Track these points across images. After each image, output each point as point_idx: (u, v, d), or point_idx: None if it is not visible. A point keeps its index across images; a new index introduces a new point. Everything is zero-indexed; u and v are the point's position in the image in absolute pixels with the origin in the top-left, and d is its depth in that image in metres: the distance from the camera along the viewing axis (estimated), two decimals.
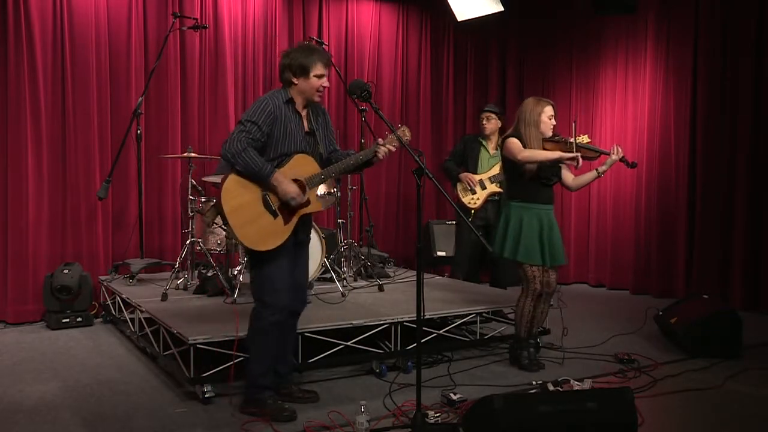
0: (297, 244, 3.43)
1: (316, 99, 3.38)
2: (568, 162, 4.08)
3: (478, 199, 5.52)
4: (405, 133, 3.47)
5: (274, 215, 3.28)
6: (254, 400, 3.39)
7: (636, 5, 6.75)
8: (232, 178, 3.23)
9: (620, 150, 4.08)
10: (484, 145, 5.67)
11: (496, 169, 5.53)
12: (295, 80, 3.31)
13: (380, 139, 3.40)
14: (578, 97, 7.85)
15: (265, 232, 3.25)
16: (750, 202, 6.18)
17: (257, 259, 3.32)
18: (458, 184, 5.60)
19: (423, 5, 7.66)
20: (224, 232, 5.16)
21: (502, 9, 6.89)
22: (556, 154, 4.03)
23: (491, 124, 5.64)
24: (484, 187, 5.55)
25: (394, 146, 3.40)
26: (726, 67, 6.41)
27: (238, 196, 3.22)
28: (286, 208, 3.30)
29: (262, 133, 3.22)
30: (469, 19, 7.12)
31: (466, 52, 7.98)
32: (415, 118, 7.67)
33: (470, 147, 5.71)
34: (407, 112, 7.65)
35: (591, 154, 4.18)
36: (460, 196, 5.57)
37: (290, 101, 3.33)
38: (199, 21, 6.08)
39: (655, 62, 7.03)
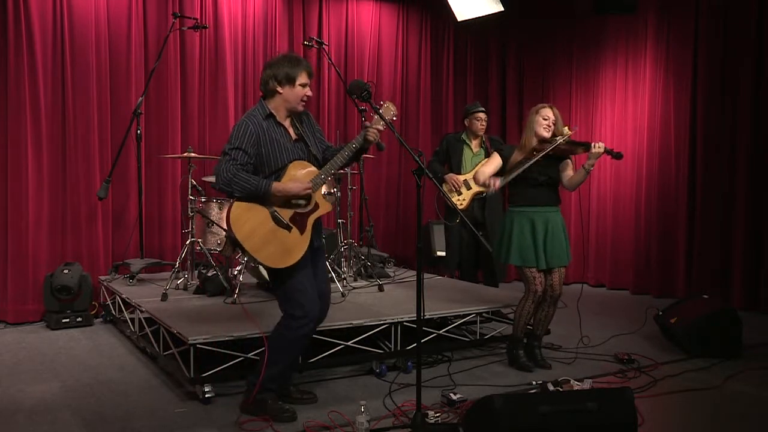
0: (313, 250, 3.40)
1: (300, 108, 3.33)
2: (480, 188, 4.11)
3: (464, 199, 5.58)
4: (390, 108, 3.35)
5: (288, 229, 3.25)
6: (255, 400, 3.39)
7: (636, 5, 6.76)
8: (237, 206, 3.20)
9: (600, 144, 4.01)
10: (467, 144, 5.75)
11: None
12: (280, 89, 3.28)
13: (367, 122, 3.35)
14: (578, 97, 7.85)
15: (285, 248, 3.22)
16: (750, 202, 6.17)
17: (281, 275, 3.28)
18: (443, 185, 5.63)
19: (423, 5, 7.66)
20: (224, 232, 5.15)
21: (502, 9, 6.90)
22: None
23: (485, 123, 5.74)
24: (469, 188, 5.60)
25: (381, 126, 3.31)
26: (726, 67, 6.41)
27: (248, 220, 3.19)
28: (299, 218, 3.28)
29: (249, 156, 3.20)
30: (469, 19, 7.13)
31: (466, 52, 7.98)
32: (415, 118, 7.67)
33: (453, 147, 5.77)
34: (407, 112, 7.65)
35: (573, 148, 4.12)
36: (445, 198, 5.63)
37: (270, 115, 3.29)
38: (199, 21, 6.08)
39: (655, 62, 7.04)
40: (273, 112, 3.30)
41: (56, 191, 5.71)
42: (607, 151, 4.03)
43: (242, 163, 3.18)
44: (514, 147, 4.23)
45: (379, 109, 3.30)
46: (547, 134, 4.12)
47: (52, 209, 5.67)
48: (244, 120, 3.26)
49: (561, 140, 4.05)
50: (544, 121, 4.12)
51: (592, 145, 4.02)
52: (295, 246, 3.25)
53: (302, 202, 3.30)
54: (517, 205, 4.16)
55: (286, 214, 3.25)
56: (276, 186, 3.19)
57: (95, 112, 5.85)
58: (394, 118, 3.35)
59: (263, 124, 3.25)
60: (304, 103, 3.33)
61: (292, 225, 3.26)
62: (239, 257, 5.09)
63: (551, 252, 4.10)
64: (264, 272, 4.88)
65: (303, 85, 3.29)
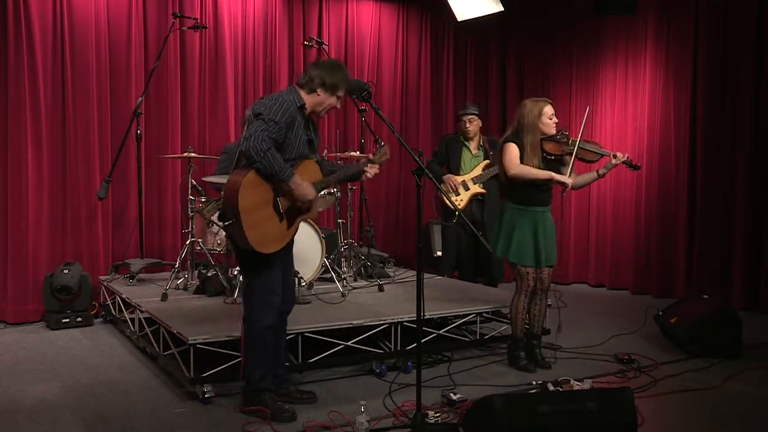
0: (287, 247, 3.46)
1: (323, 115, 3.48)
2: (556, 184, 4.06)
3: (461, 200, 5.59)
4: (386, 152, 3.59)
5: (280, 219, 3.31)
6: (254, 400, 3.39)
7: (636, 5, 6.76)
8: (252, 177, 3.20)
9: (621, 156, 4.05)
10: (466, 145, 5.76)
11: (478, 170, 5.65)
12: (319, 92, 3.35)
13: (370, 155, 3.50)
14: (578, 97, 7.85)
15: (271, 235, 3.27)
16: (750, 202, 6.17)
17: (255, 263, 3.32)
18: (441, 185, 5.64)
19: (423, 5, 7.66)
20: (224, 232, 5.13)
21: (502, 9, 6.89)
22: (546, 174, 4.04)
23: (473, 125, 5.74)
24: (467, 188, 5.61)
25: (377, 170, 3.55)
26: (726, 67, 6.40)
27: (255, 195, 3.21)
28: (291, 213, 3.33)
29: (282, 134, 3.22)
30: (469, 19, 7.12)
31: (466, 52, 7.98)
32: (415, 118, 7.67)
33: (452, 147, 5.79)
34: (407, 112, 7.65)
35: (592, 156, 4.17)
36: (444, 197, 5.64)
37: (302, 107, 3.34)
38: (199, 21, 6.08)
39: (655, 62, 7.03)
40: (306, 104, 3.36)
41: (56, 191, 5.71)
42: (626, 162, 4.08)
43: (275, 138, 3.19)
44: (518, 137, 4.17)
45: (382, 145, 3.63)
46: (554, 132, 4.13)
47: (52, 209, 5.67)
48: (285, 98, 3.28)
49: (583, 145, 4.10)
50: (551, 120, 4.13)
51: (613, 155, 4.06)
52: (279, 237, 3.31)
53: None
54: (522, 204, 4.13)
55: (285, 204, 3.30)
56: (295, 180, 3.23)
57: (95, 112, 5.84)
58: (384, 158, 3.60)
59: (296, 111, 3.30)
60: (327, 113, 3.51)
61: (284, 217, 3.32)
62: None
63: (548, 250, 4.16)
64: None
65: (338, 98, 3.41)
